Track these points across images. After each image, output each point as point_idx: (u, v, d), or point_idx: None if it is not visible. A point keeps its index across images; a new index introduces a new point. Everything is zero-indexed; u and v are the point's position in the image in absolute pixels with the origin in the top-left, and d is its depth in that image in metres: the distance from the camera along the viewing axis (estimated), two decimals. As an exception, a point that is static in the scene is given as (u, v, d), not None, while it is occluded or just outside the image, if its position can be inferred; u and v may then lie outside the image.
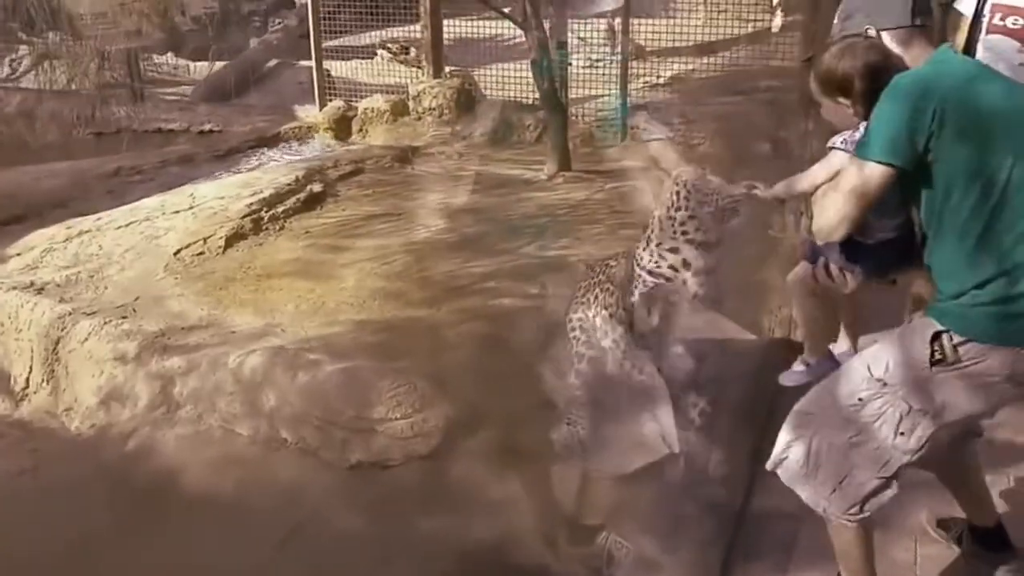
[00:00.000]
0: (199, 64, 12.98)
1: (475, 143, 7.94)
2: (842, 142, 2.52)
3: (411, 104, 8.45)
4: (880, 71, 2.21)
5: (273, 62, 12.92)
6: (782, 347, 3.67)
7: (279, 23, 13.82)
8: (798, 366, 2.90)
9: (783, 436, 2.40)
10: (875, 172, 2.12)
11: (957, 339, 2.13)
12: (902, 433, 2.22)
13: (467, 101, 8.33)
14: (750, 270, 3.95)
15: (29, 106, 10.84)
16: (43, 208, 7.25)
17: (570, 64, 8.61)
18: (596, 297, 3.27)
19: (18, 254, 5.89)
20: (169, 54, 13.63)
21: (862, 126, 2.26)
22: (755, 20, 8.61)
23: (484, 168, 7.05)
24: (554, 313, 3.70)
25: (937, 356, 2.15)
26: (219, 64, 12.65)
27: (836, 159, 2.49)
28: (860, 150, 2.18)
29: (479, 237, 5.29)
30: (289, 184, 6.31)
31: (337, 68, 10.01)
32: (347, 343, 4.06)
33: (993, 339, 2.11)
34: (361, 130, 8.57)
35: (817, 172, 2.56)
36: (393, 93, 8.94)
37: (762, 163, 5.56)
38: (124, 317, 4.71)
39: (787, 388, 2.84)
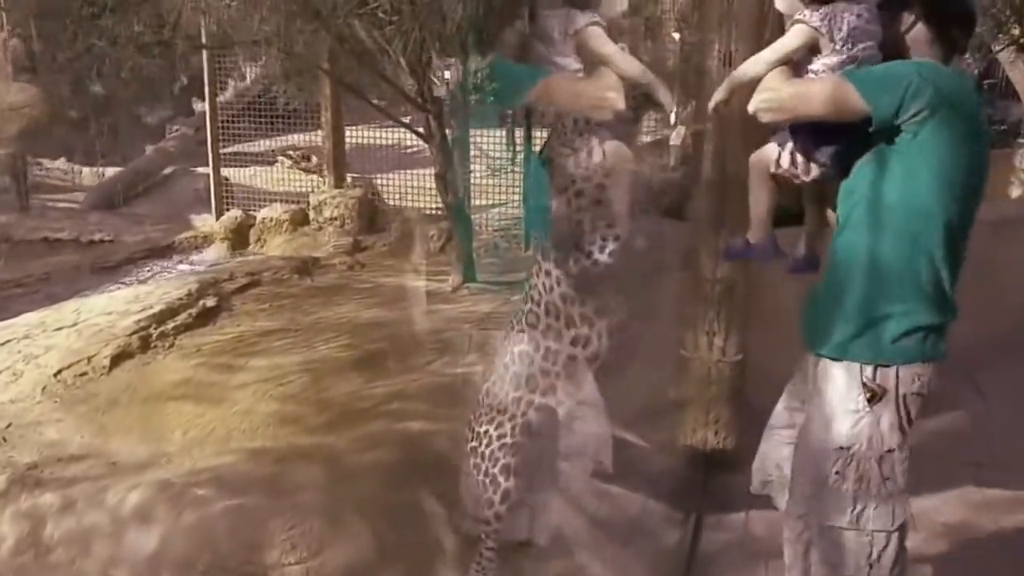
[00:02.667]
0: (90, 170, 12.63)
1: (377, 253, 7.80)
2: (809, 13, 2.37)
3: (312, 214, 8.29)
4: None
5: (169, 169, 12.65)
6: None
7: (176, 130, 13.57)
8: (740, 242, 2.78)
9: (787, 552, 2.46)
10: (853, 100, 2.16)
11: (881, 371, 2.23)
12: (886, 478, 2.26)
13: (369, 211, 8.22)
14: (662, 390, 3.87)
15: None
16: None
17: (471, 171, 8.64)
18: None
19: None
20: (62, 159, 13.21)
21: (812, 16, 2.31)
22: (654, 131, 8.82)
23: (387, 280, 6.89)
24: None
25: (869, 394, 2.23)
26: (112, 170, 12.33)
27: (798, 37, 2.36)
28: (853, 77, 2.21)
29: (382, 354, 5.09)
30: (181, 298, 6.02)
31: (236, 176, 9.83)
32: (238, 475, 3.78)
33: (915, 358, 2.24)
34: (259, 240, 8.35)
35: (776, 48, 2.38)
36: (294, 202, 8.79)
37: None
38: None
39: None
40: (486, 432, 3.08)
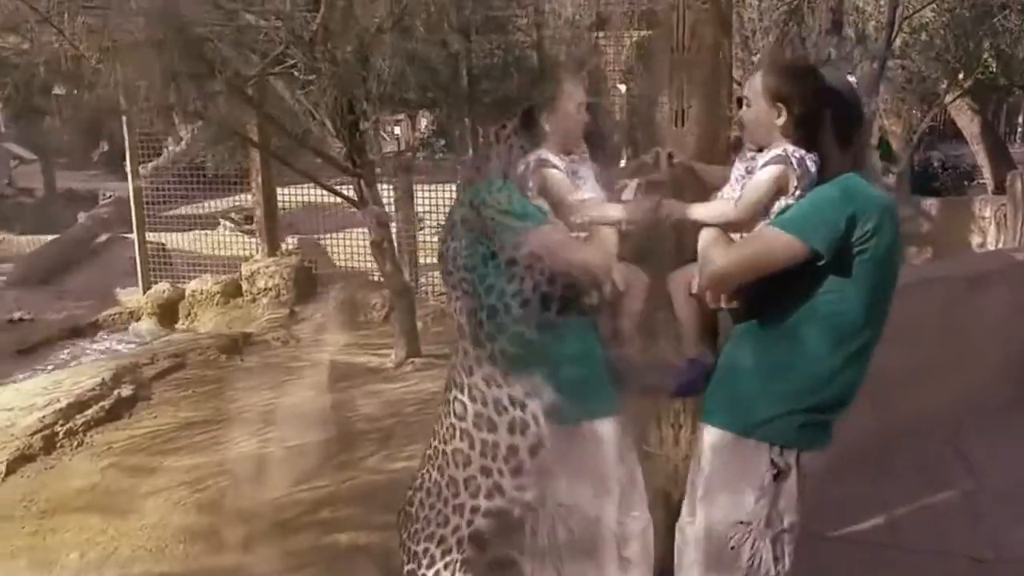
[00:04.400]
0: (27, 239, 11.97)
1: (316, 325, 7.29)
2: (739, 179, 2.38)
3: (244, 285, 7.76)
4: (840, 107, 2.30)
5: (104, 236, 12.05)
6: None
7: (109, 195, 13.00)
8: (682, 362, 2.58)
9: None
10: (790, 246, 2.19)
11: (787, 451, 2.31)
12: (776, 558, 2.35)
13: (307, 279, 7.72)
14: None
15: None
16: None
17: (421, 231, 8.22)
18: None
19: None
20: None
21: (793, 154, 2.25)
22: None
23: (323, 356, 6.39)
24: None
25: (775, 471, 2.30)
26: (44, 239, 11.72)
27: (776, 180, 2.29)
28: (784, 223, 2.22)
29: (312, 449, 4.59)
30: (93, 389, 5.46)
31: (176, 241, 9.29)
32: (136, 613, 3.24)
33: (812, 446, 2.34)
34: (189, 315, 7.79)
35: (753, 198, 2.32)
36: (236, 268, 8.20)
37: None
38: None
39: None
40: (426, 551, 2.61)
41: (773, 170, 2.27)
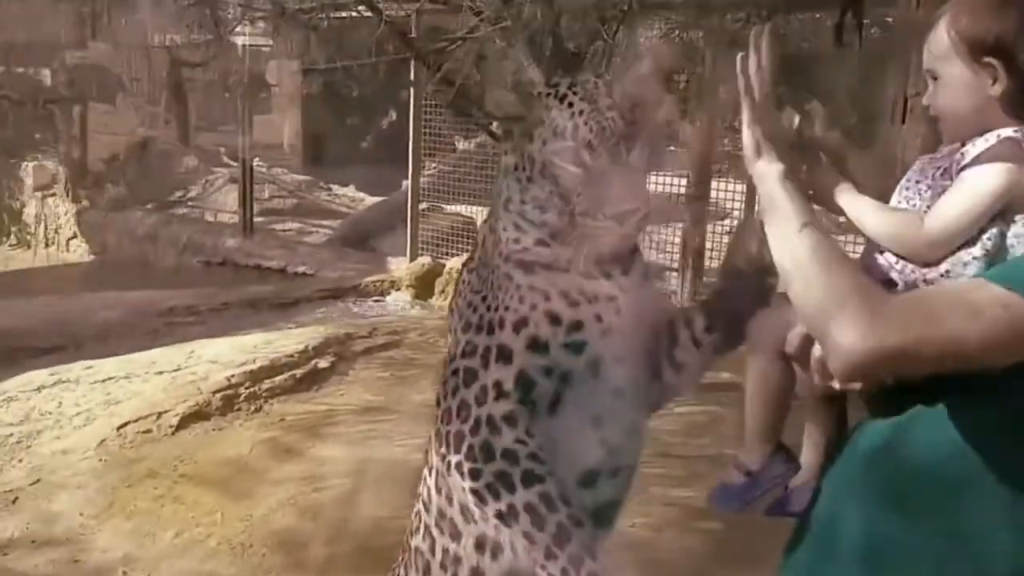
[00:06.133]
0: (373, 199, 12.44)
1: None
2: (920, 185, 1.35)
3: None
4: None
5: (425, 205, 12.36)
6: None
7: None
8: (734, 475, 1.60)
9: None
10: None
11: None
12: None
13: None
14: None
15: (155, 229, 10.72)
16: (84, 341, 6.75)
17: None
18: None
19: (-13, 398, 5.17)
20: (351, 186, 13.22)
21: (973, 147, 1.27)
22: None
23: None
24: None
25: None
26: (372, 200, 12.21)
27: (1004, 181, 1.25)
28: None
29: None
30: (292, 355, 5.29)
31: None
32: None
33: None
34: (443, 291, 7.53)
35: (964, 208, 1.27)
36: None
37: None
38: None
39: None
40: None
41: (996, 172, 1.25)
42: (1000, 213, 1.24)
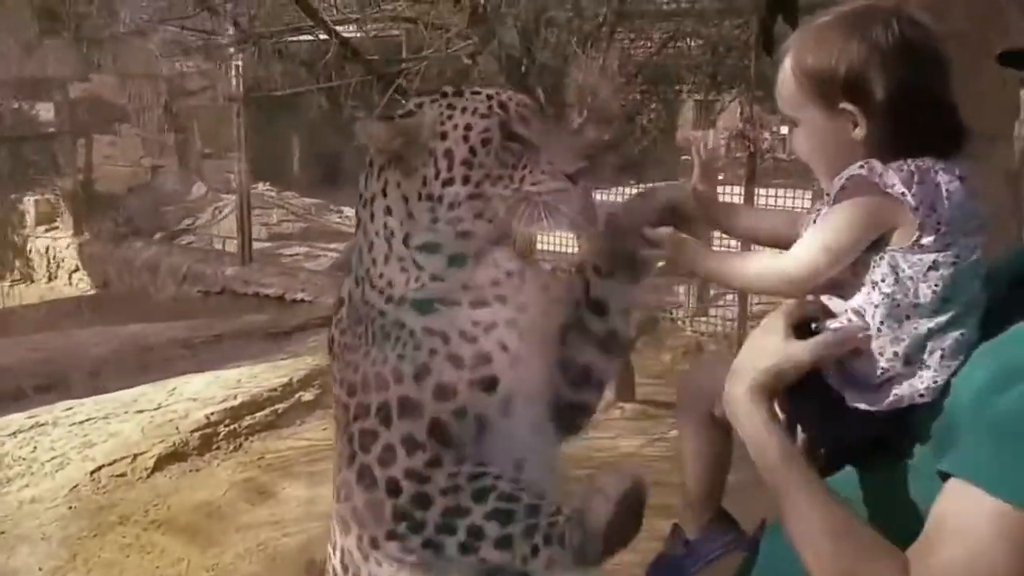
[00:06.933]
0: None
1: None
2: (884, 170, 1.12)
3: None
4: (924, 59, 1.09)
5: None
6: None
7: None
8: (674, 545, 1.41)
9: None
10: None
11: None
12: None
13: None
14: None
15: (155, 260, 10.62)
16: (72, 379, 6.60)
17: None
18: None
19: (-37, 443, 5.03)
20: None
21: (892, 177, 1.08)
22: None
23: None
24: None
25: None
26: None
27: (863, 222, 1.13)
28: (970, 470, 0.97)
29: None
30: (275, 389, 5.14)
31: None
32: None
33: None
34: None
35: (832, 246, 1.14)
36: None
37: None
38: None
39: None
40: None
41: (845, 210, 1.12)
42: (876, 244, 1.09)
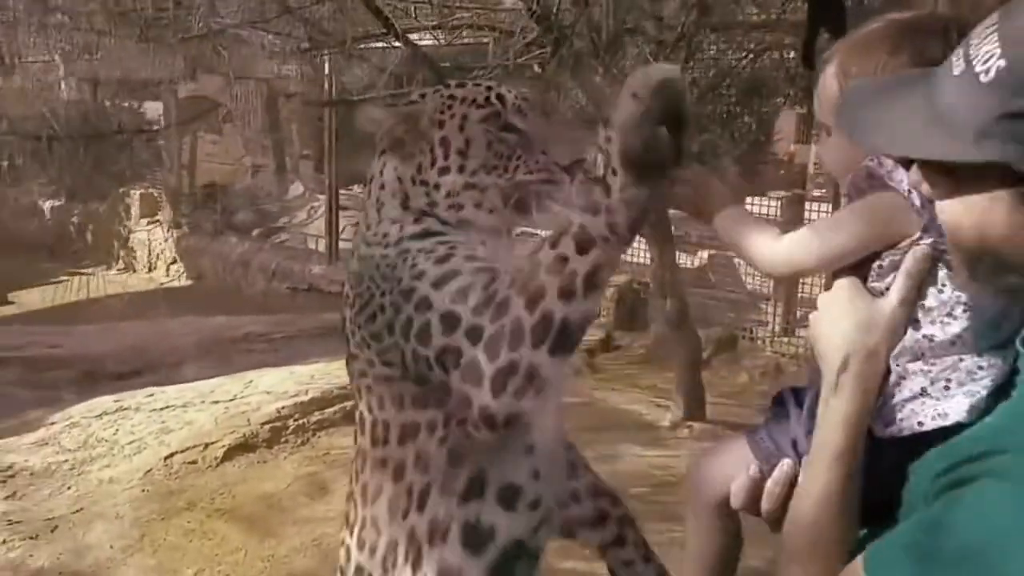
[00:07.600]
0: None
1: (629, 358, 6.45)
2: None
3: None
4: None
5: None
6: None
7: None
8: None
9: None
10: None
11: None
12: None
13: (633, 303, 6.89)
14: None
15: (248, 256, 10.94)
16: (158, 366, 6.86)
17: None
18: None
19: (52, 423, 5.27)
20: None
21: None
22: None
23: (607, 397, 5.54)
24: None
25: None
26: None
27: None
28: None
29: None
30: (345, 386, 5.18)
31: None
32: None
33: None
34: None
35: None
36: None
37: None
38: (31, 537, 3.82)
39: None
40: None
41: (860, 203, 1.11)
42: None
